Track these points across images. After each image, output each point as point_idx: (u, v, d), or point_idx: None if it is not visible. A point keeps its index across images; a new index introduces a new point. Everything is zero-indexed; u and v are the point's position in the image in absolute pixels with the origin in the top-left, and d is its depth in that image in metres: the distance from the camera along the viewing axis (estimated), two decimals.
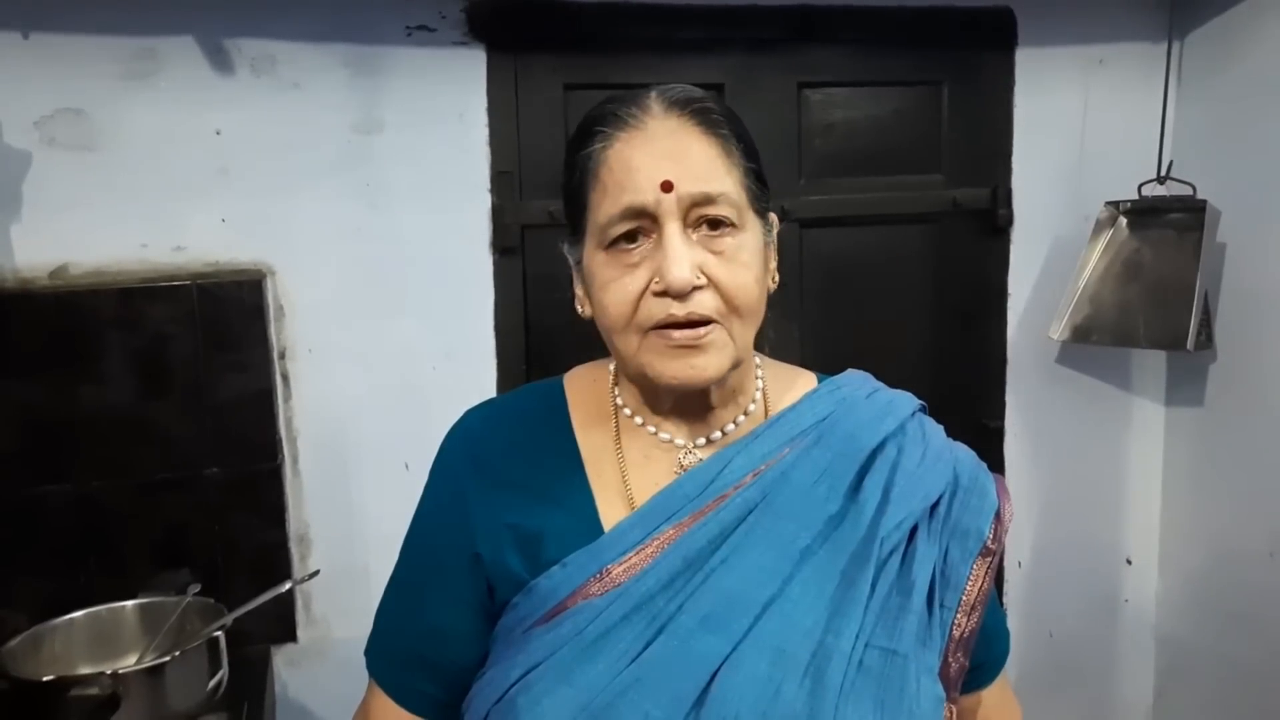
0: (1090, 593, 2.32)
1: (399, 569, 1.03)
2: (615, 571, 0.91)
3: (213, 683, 1.49)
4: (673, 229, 0.88)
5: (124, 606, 1.63)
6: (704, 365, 0.90)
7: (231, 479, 1.78)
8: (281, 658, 1.87)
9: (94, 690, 1.37)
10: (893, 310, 2.15)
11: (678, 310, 0.88)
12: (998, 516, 0.98)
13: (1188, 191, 2.01)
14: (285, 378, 1.82)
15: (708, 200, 0.89)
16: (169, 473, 1.74)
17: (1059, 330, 2.11)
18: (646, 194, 0.88)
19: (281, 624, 1.85)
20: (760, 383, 1.04)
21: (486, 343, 1.92)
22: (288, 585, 1.62)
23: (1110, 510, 2.30)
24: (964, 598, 0.95)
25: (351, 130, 1.80)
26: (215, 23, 1.71)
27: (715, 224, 0.90)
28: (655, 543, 0.92)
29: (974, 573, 0.96)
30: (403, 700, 1.00)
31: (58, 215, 1.69)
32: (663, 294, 0.88)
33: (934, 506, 0.96)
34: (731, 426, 1.00)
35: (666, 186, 0.87)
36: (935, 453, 1.00)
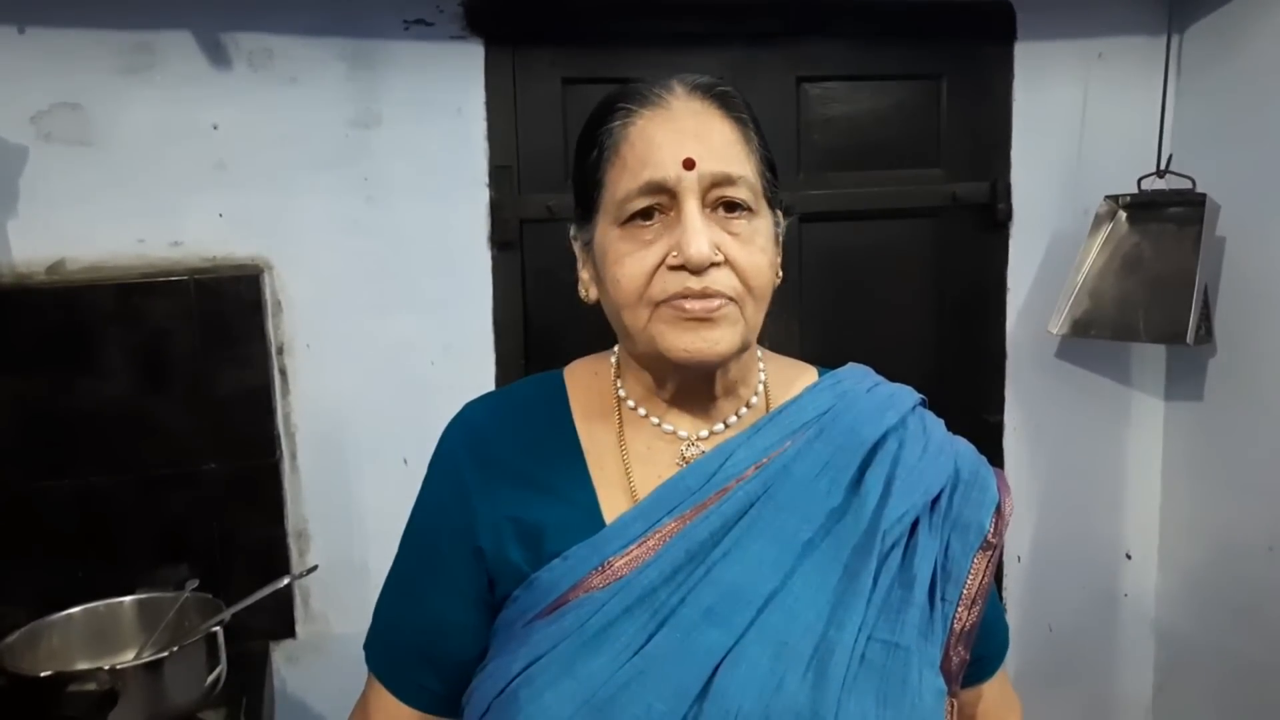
0: (1090, 587, 2.32)
1: (398, 562, 1.03)
2: (617, 564, 0.91)
3: (211, 678, 1.49)
4: (692, 206, 0.89)
5: (122, 602, 1.63)
6: (716, 339, 0.90)
7: (230, 474, 1.77)
8: (280, 653, 1.87)
9: (92, 686, 1.37)
10: (892, 304, 2.15)
11: (694, 284, 0.88)
12: (998, 510, 0.99)
13: (1187, 185, 2.01)
14: (283, 373, 1.82)
15: (728, 180, 0.90)
16: (167, 468, 1.74)
17: (1058, 324, 2.11)
18: (668, 170, 0.88)
19: (280, 619, 1.85)
20: (762, 375, 1.04)
21: (485, 337, 1.92)
22: (286, 580, 1.62)
23: (1110, 504, 2.30)
24: (965, 591, 0.95)
25: (349, 125, 1.80)
26: (212, 17, 1.71)
27: (731, 207, 0.91)
28: (657, 535, 0.92)
29: (975, 566, 0.96)
30: (402, 694, 1.00)
31: (55, 210, 1.68)
32: (679, 269, 0.88)
33: (935, 500, 0.96)
34: (734, 419, 1.01)
35: (689, 164, 0.88)
36: (936, 447, 1.00)
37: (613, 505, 0.96)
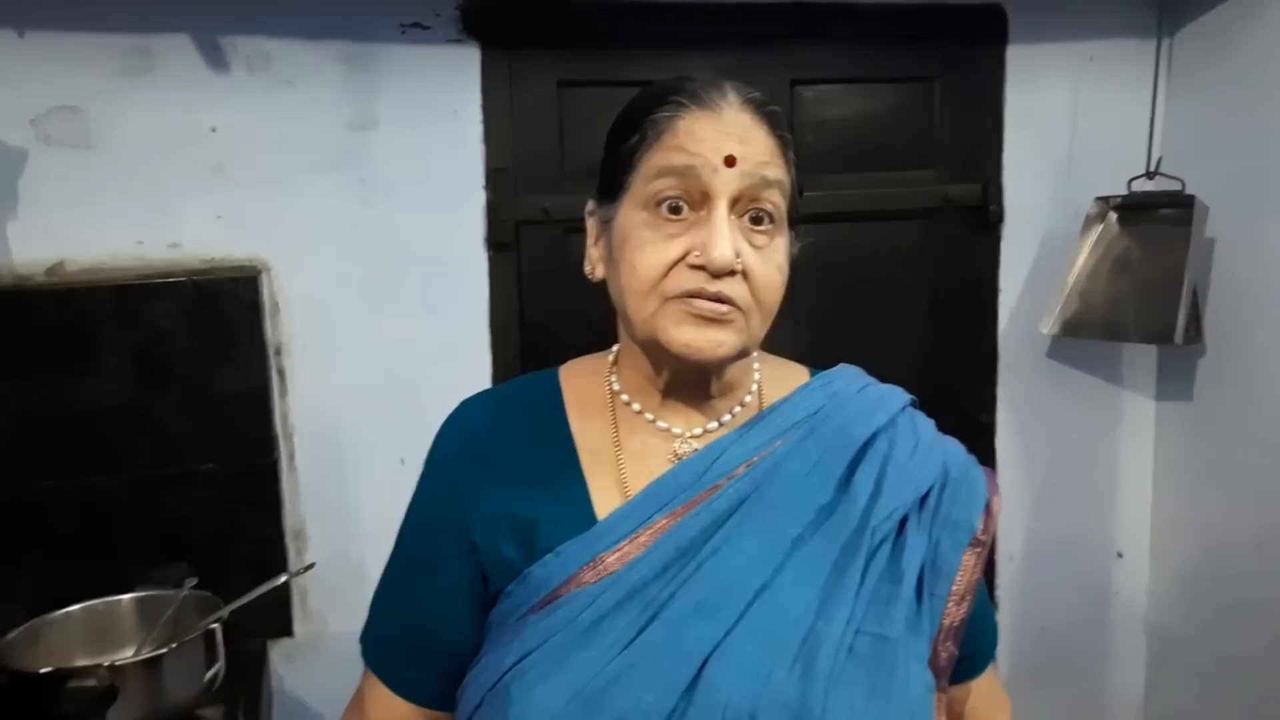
0: (1081, 586, 2.33)
1: (394, 557, 1.05)
2: (609, 560, 0.92)
3: (209, 675, 1.50)
4: (722, 208, 0.90)
5: (121, 600, 1.64)
6: (721, 340, 0.92)
7: (228, 474, 1.79)
8: (278, 651, 1.89)
9: (91, 682, 1.38)
10: (885, 305, 2.16)
11: (709, 286, 0.90)
12: (987, 509, 1.00)
13: (1177, 187, 2.03)
14: (281, 373, 1.83)
15: (765, 184, 0.92)
16: (166, 468, 1.75)
17: (1050, 325, 2.13)
18: (708, 163, 0.90)
19: (278, 618, 1.86)
20: (757, 376, 1.06)
21: (481, 338, 1.93)
22: (283, 578, 1.63)
23: (1101, 503, 2.32)
24: (955, 587, 0.97)
25: (346, 127, 1.81)
26: (210, 20, 1.72)
27: (758, 219, 0.93)
28: (648, 531, 0.93)
29: (965, 563, 0.97)
30: (397, 687, 1.01)
31: (53, 212, 1.69)
32: (698, 268, 0.90)
33: (924, 498, 0.98)
34: (728, 417, 1.02)
35: (730, 161, 0.90)
36: (926, 446, 1.02)
37: (605, 501, 0.97)
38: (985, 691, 1.11)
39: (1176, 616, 2.28)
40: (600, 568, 0.92)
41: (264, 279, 1.80)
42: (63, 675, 1.40)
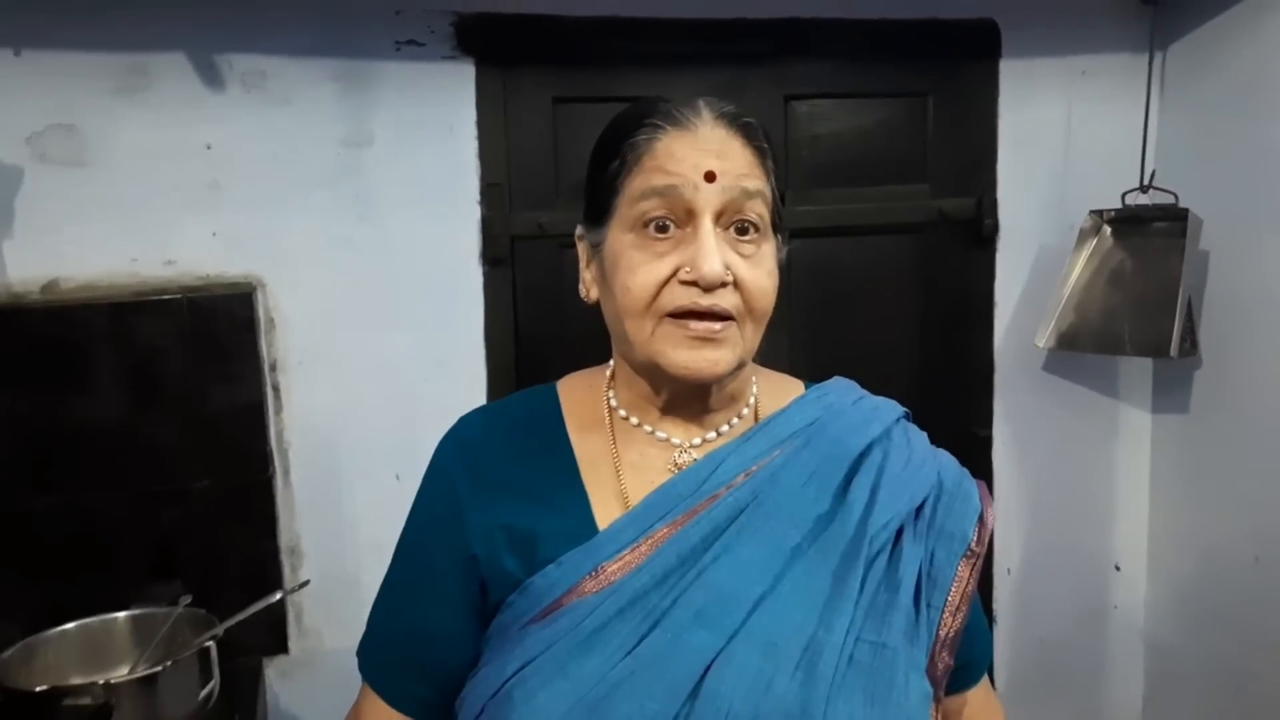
0: (1079, 599, 2.33)
1: (392, 570, 1.05)
2: (610, 569, 0.93)
3: (204, 693, 1.50)
4: (707, 223, 0.92)
5: (116, 617, 1.64)
6: (717, 359, 0.93)
7: (223, 491, 1.78)
8: (273, 669, 1.88)
9: (86, 700, 1.38)
10: (880, 319, 2.16)
11: (703, 300, 0.91)
12: (981, 520, 1.01)
13: (1170, 200, 2.03)
14: (276, 390, 1.83)
15: (746, 196, 0.93)
16: (161, 485, 1.75)
17: (1045, 338, 2.13)
18: (689, 181, 0.91)
19: (273, 635, 1.85)
20: (754, 387, 1.07)
21: (476, 354, 1.93)
22: (278, 595, 1.63)
23: (1098, 517, 2.32)
24: (950, 598, 0.98)
25: (341, 144, 1.82)
26: (206, 39, 1.73)
27: (743, 229, 0.94)
28: (649, 541, 0.94)
29: (959, 574, 0.98)
30: (394, 700, 1.01)
31: (49, 230, 1.70)
32: (689, 284, 0.91)
33: (919, 509, 0.99)
34: (726, 428, 1.03)
35: (710, 176, 0.91)
36: (919, 458, 1.03)
37: (606, 512, 0.98)
38: (980, 701, 1.12)
39: (1174, 629, 2.27)
40: (602, 577, 0.93)
41: (259, 295, 1.80)
42: (58, 694, 1.40)
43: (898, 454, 1.02)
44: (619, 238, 0.95)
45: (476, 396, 1.93)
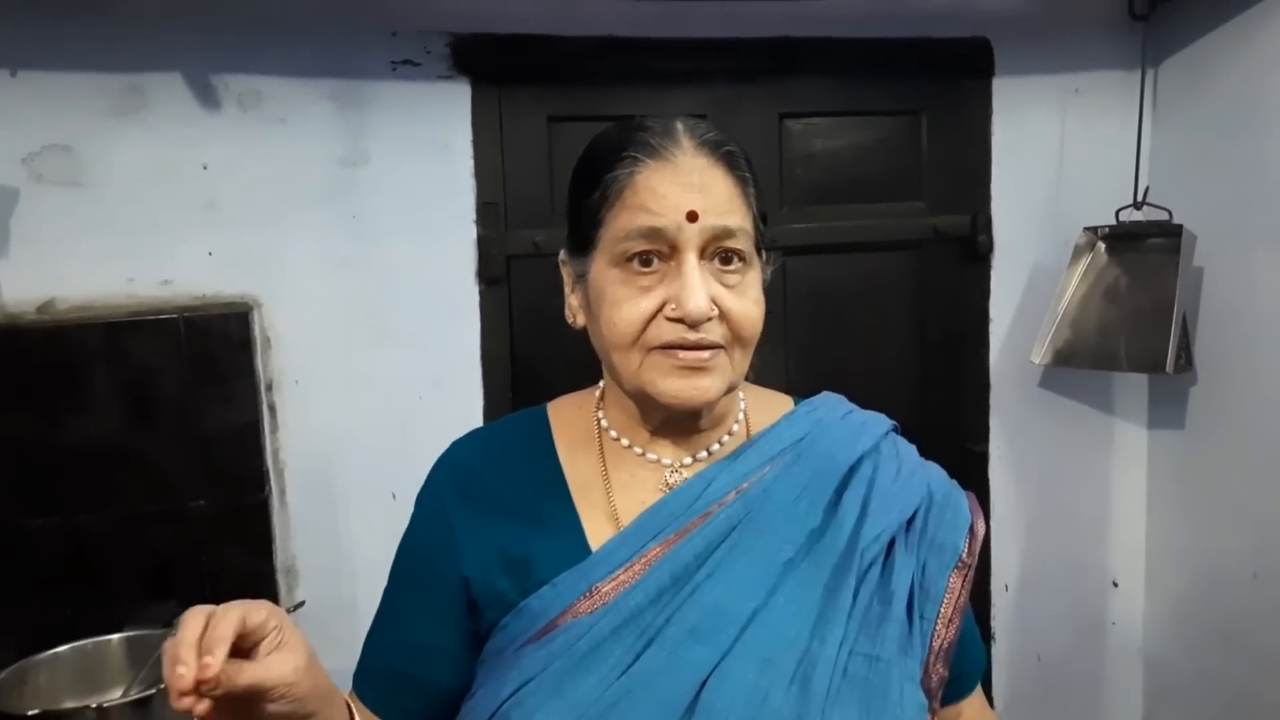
0: (1077, 615, 2.33)
1: (386, 594, 1.06)
2: (604, 589, 0.93)
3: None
4: (691, 259, 0.91)
5: (110, 640, 1.62)
6: (707, 386, 0.93)
7: (219, 510, 1.78)
8: None
9: None
10: (876, 336, 2.17)
11: (690, 336, 0.91)
12: (971, 531, 1.02)
13: (1164, 216, 2.04)
14: (272, 409, 1.83)
15: (727, 233, 0.93)
16: (156, 505, 1.74)
17: (1040, 354, 2.13)
18: (671, 220, 0.91)
19: None
20: (743, 405, 1.07)
21: (473, 372, 1.93)
22: None
23: (1095, 533, 2.32)
24: (942, 609, 0.98)
25: (337, 163, 1.82)
26: (202, 59, 1.73)
27: (728, 258, 0.94)
28: (643, 560, 0.94)
29: (951, 585, 0.99)
30: (384, 715, 1.01)
31: (45, 250, 1.70)
32: (676, 320, 0.91)
33: (910, 521, 1.00)
34: (716, 447, 1.04)
35: (692, 216, 0.91)
36: (909, 470, 1.04)
37: (598, 532, 0.98)
38: (975, 712, 1.12)
39: (1172, 645, 2.27)
40: (596, 597, 0.93)
41: (255, 315, 1.80)
42: (51, 717, 1.39)
43: (888, 467, 1.03)
44: (603, 271, 0.94)
45: (473, 415, 1.93)
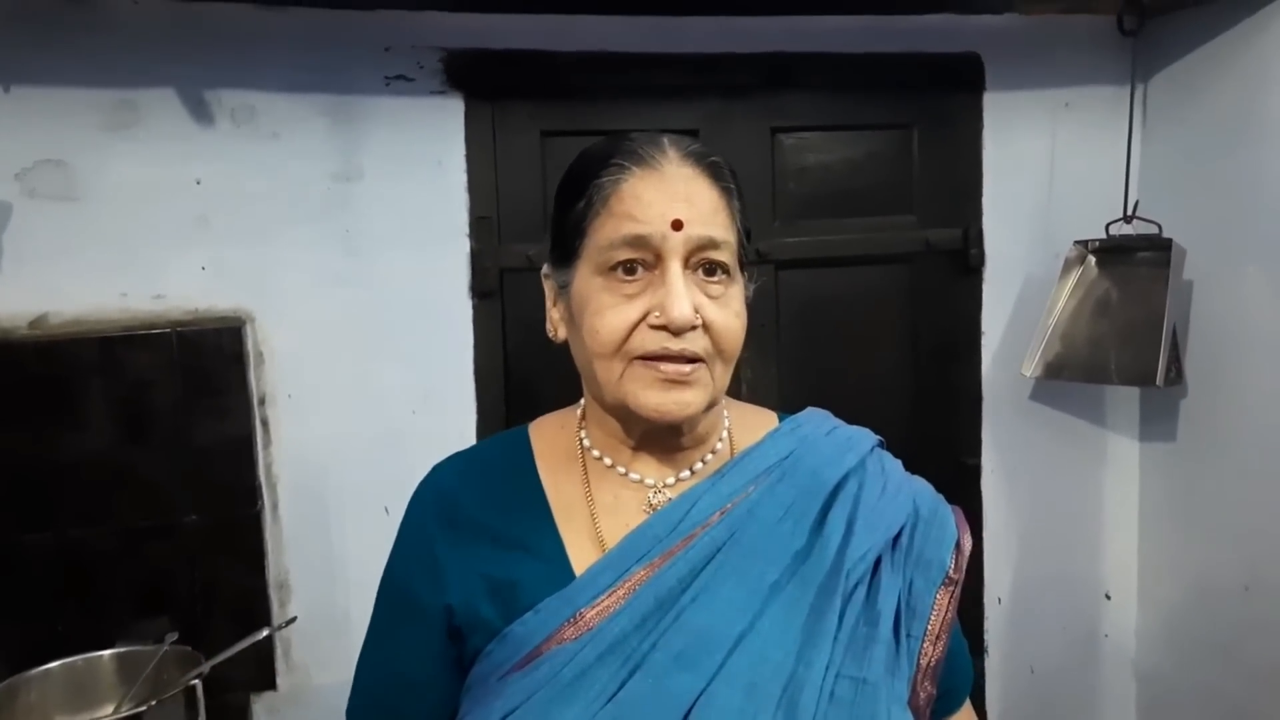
0: (1070, 628, 2.33)
1: (372, 626, 1.05)
2: (588, 615, 0.92)
3: None
4: (675, 267, 0.91)
5: (101, 656, 1.61)
6: (688, 400, 0.93)
7: (211, 525, 1.77)
8: (261, 705, 1.86)
9: None
10: (869, 349, 2.17)
11: (673, 345, 0.91)
12: (958, 547, 1.01)
13: (1154, 230, 2.05)
14: (265, 424, 1.83)
15: (712, 244, 0.93)
16: (148, 520, 1.74)
17: (1032, 367, 2.14)
18: (656, 228, 0.91)
19: (261, 671, 1.84)
20: (726, 423, 1.06)
21: (466, 386, 1.93)
22: (266, 632, 1.62)
23: (1088, 545, 2.32)
24: (929, 627, 0.97)
25: (331, 178, 1.83)
26: (196, 74, 1.74)
27: (711, 270, 0.94)
28: (627, 584, 0.93)
29: (938, 602, 0.98)
30: None
31: (38, 265, 1.70)
32: (659, 328, 0.91)
33: (896, 538, 0.99)
34: (699, 465, 1.03)
35: (677, 225, 0.91)
36: (895, 486, 1.03)
37: (582, 556, 0.97)
38: None
39: (1165, 658, 2.27)
40: (581, 623, 0.92)
41: (248, 329, 1.80)
42: None
43: (873, 484, 1.02)
44: (587, 280, 0.94)
45: (466, 429, 1.92)
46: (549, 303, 1.02)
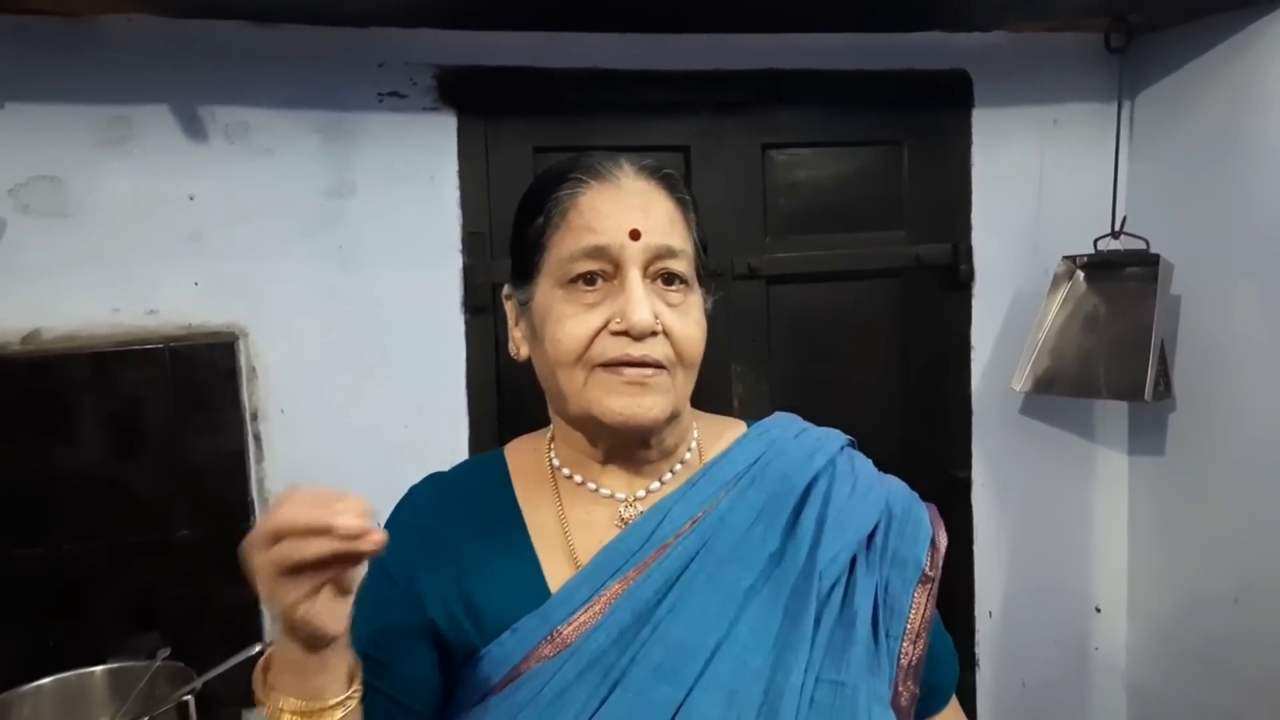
0: (1061, 641, 2.33)
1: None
2: (565, 632, 0.93)
3: None
4: (635, 275, 0.93)
5: (93, 672, 1.61)
6: (650, 405, 0.94)
7: (203, 541, 1.77)
8: None
9: None
10: (859, 364, 2.18)
11: (633, 351, 0.92)
12: (933, 544, 1.02)
13: (1141, 245, 2.07)
14: (258, 439, 1.83)
15: (670, 253, 0.94)
16: (140, 535, 1.74)
17: (1021, 382, 2.15)
18: (614, 239, 0.93)
19: (253, 687, 1.83)
20: (694, 433, 1.07)
21: (458, 401, 1.93)
22: (258, 648, 1.61)
23: (1078, 559, 2.33)
24: (908, 626, 0.98)
25: (324, 194, 1.83)
26: (189, 91, 1.74)
27: (670, 279, 0.96)
28: (602, 599, 0.94)
29: (916, 600, 0.99)
30: None
31: (31, 281, 1.70)
32: (620, 334, 0.92)
33: (870, 537, 1.00)
34: (669, 476, 1.04)
35: (635, 234, 0.92)
36: (865, 485, 1.04)
37: (557, 573, 0.98)
38: None
39: (1156, 671, 2.28)
40: (558, 640, 0.92)
41: (241, 345, 1.80)
42: None
43: (843, 483, 1.03)
44: (548, 292, 0.96)
45: (459, 444, 1.93)
46: (510, 322, 1.03)
